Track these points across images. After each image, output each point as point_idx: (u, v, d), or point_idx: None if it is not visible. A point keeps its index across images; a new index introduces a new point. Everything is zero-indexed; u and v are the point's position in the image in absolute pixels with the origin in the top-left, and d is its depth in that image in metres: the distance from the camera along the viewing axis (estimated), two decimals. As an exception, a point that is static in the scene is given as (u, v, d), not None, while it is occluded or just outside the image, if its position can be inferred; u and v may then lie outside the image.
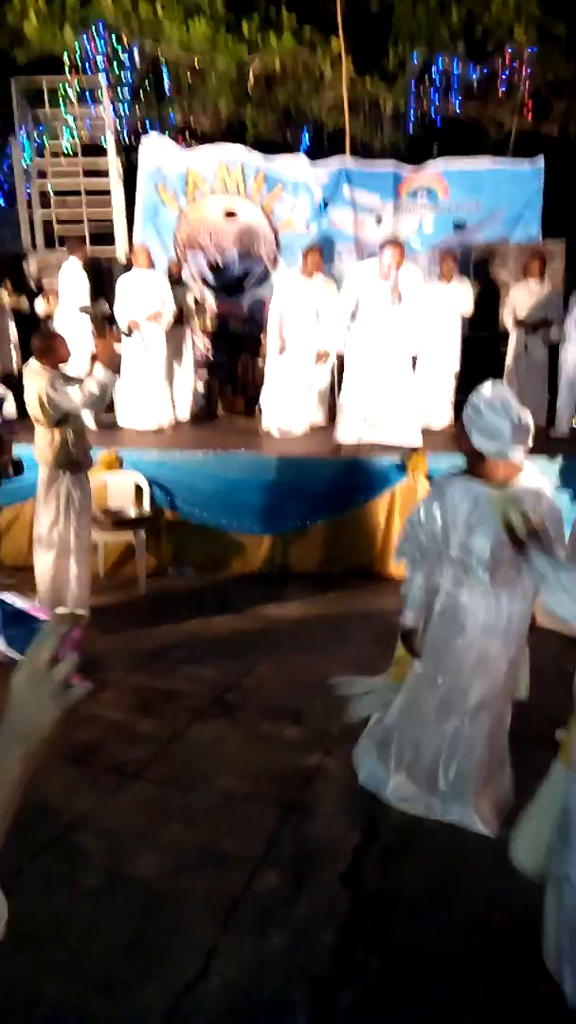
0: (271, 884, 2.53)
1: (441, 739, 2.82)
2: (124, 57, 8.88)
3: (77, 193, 9.58)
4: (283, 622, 4.81)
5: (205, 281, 8.63)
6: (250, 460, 5.77)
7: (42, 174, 9.66)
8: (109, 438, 6.30)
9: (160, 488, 5.56)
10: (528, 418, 2.50)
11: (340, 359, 6.76)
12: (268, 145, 8.89)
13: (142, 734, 3.45)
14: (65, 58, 8.76)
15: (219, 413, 8.12)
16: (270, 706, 3.71)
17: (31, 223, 9.74)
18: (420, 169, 8.47)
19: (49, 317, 7.50)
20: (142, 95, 9.22)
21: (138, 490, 5.46)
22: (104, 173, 9.58)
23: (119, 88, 9.10)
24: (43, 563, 4.31)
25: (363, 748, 3.17)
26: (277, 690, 3.89)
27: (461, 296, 7.08)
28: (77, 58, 8.78)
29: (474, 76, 8.94)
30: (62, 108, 9.26)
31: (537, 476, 2.64)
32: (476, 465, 2.62)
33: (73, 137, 9.42)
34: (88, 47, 8.74)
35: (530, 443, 2.53)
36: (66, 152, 9.50)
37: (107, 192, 9.57)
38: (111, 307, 6.89)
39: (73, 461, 4.22)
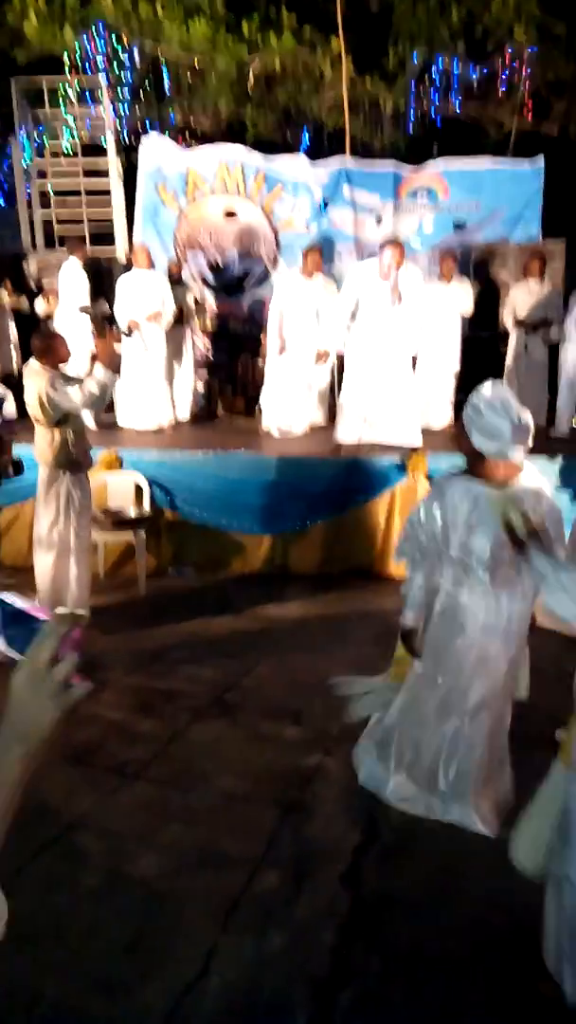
0: (271, 884, 2.53)
1: (441, 739, 2.82)
2: (124, 57, 8.88)
3: (77, 193, 9.58)
4: (283, 622, 4.81)
5: (205, 281, 8.63)
6: (250, 460, 5.77)
7: (42, 174, 9.66)
8: (109, 438, 6.30)
9: (160, 488, 5.56)
10: (528, 418, 2.50)
11: (340, 359, 6.75)
12: (268, 145, 8.89)
13: (142, 734, 3.45)
14: (65, 58, 8.76)
15: (219, 413, 8.12)
16: (270, 706, 3.71)
17: (31, 223, 9.75)
18: (420, 169, 8.47)
19: (49, 317, 7.50)
20: (142, 95, 9.22)
21: (138, 490, 5.46)
22: (104, 173, 9.58)
23: (119, 88, 9.11)
24: (43, 563, 4.31)
25: (363, 748, 3.17)
26: (277, 690, 3.89)
27: (461, 296, 7.08)
28: (77, 58, 8.79)
29: (474, 76, 8.94)
30: (62, 108, 9.26)
31: (537, 476, 2.64)
32: (476, 465, 2.62)
33: (73, 137, 9.43)
34: (88, 47, 8.75)
35: (530, 443, 2.53)
36: (66, 152, 9.51)
37: (107, 192, 9.57)
38: (111, 307, 6.88)
39: (73, 461, 4.22)
